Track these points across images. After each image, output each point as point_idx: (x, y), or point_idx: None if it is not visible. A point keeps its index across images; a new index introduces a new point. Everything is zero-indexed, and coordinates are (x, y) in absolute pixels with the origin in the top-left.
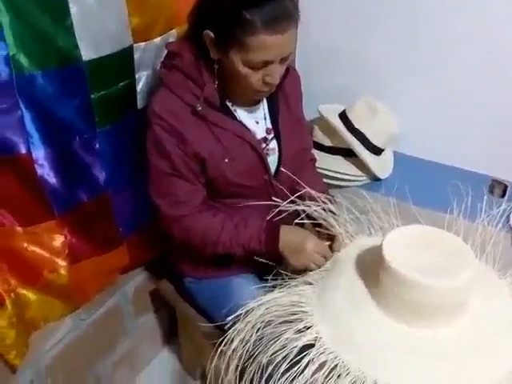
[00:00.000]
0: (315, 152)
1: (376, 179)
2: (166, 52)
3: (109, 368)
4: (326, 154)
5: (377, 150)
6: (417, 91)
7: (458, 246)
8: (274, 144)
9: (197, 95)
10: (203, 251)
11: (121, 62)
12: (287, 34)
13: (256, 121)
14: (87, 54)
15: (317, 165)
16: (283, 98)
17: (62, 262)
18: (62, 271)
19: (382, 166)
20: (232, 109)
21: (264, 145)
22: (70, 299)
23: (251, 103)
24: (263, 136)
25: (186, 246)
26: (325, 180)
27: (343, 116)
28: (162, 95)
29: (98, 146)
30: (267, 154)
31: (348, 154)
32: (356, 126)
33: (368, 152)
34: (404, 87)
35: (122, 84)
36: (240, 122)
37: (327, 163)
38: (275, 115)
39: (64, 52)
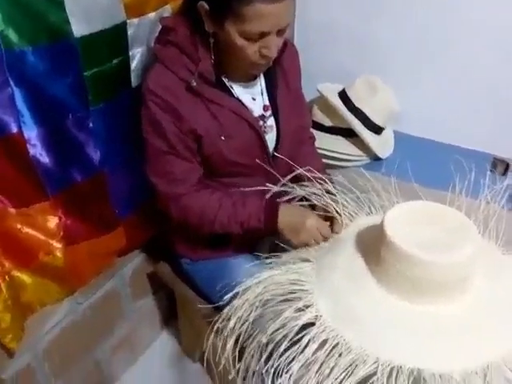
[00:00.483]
0: (314, 132)
1: (376, 159)
2: (160, 27)
3: (108, 352)
4: (326, 134)
5: (377, 129)
6: (418, 69)
7: (460, 220)
8: (271, 121)
9: (192, 71)
10: (201, 230)
11: (114, 39)
12: (284, 3)
13: (253, 97)
14: (79, 29)
15: (316, 145)
16: (281, 74)
17: (57, 244)
18: (58, 253)
19: (383, 145)
20: (228, 85)
21: (261, 122)
22: (66, 282)
23: (248, 78)
24: (260, 113)
25: (183, 225)
26: (325, 160)
27: (343, 95)
28: (157, 71)
29: (91, 124)
30: (265, 131)
31: (348, 133)
32: (356, 105)
33: (368, 131)
34: (405, 65)
35: (115, 61)
36: (237, 98)
37: (327, 143)
38: (273, 91)
39: (55, 28)
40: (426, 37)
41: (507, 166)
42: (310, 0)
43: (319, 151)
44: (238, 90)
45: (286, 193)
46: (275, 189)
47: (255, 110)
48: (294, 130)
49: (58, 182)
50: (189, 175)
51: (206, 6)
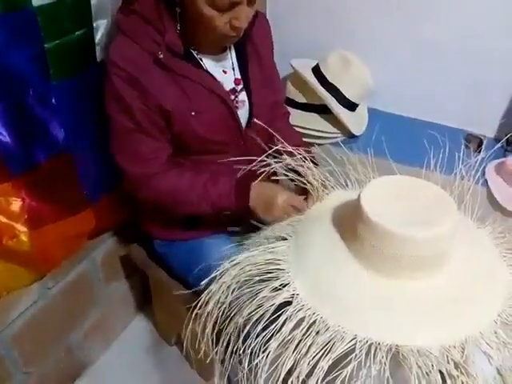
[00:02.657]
0: (288, 109)
1: (351, 136)
2: None
3: (80, 337)
4: (300, 111)
5: (351, 105)
6: (392, 45)
7: (438, 194)
8: (243, 96)
9: (158, 42)
10: (172, 211)
11: (76, 8)
12: None
13: (223, 70)
14: None
15: (290, 122)
16: (252, 47)
17: (21, 228)
18: (23, 237)
19: (357, 122)
20: (197, 57)
21: (233, 96)
22: (34, 266)
23: (218, 51)
24: (232, 87)
25: (153, 206)
26: None
27: (316, 70)
28: (120, 43)
29: (54, 100)
30: (236, 106)
31: (322, 110)
32: (330, 81)
33: (343, 108)
34: (379, 40)
35: (78, 33)
36: (206, 71)
37: (301, 120)
38: (244, 65)
39: None
40: (400, 12)
41: (480, 141)
42: None
43: None
44: (207, 62)
45: (259, 170)
46: (251, 166)
47: (226, 83)
48: (267, 104)
49: (21, 161)
50: (157, 154)
51: None
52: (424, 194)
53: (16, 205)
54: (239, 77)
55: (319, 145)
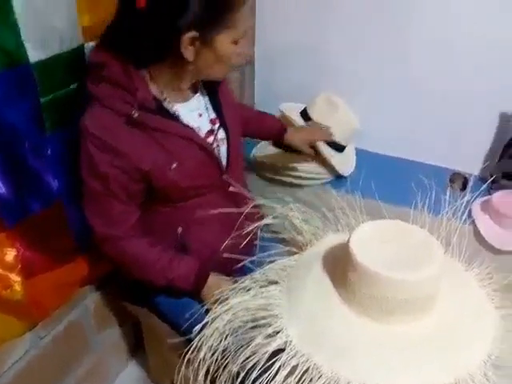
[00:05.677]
0: (277, 150)
1: (339, 176)
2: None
3: None
4: (288, 153)
5: (339, 147)
6: (377, 87)
7: (424, 238)
8: (222, 133)
9: (130, 102)
10: (130, 275)
11: (71, 63)
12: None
13: (199, 113)
14: (35, 54)
15: (279, 164)
16: (220, 87)
17: (16, 277)
18: (17, 287)
19: (345, 163)
20: (172, 109)
21: (212, 137)
22: (27, 316)
23: (190, 96)
24: (209, 128)
25: (115, 265)
26: (288, 179)
27: (304, 114)
28: (93, 110)
29: (49, 151)
30: (218, 145)
31: None
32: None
33: (331, 149)
34: (363, 83)
35: (73, 85)
36: (181, 122)
37: (290, 162)
38: (217, 104)
39: (9, 52)
40: (382, 55)
41: (466, 180)
42: (269, 24)
43: (282, 170)
44: (182, 111)
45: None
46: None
47: (203, 127)
48: (239, 133)
49: (16, 212)
50: (125, 217)
51: (193, 34)
52: (411, 238)
53: (10, 255)
54: (214, 116)
55: (309, 185)
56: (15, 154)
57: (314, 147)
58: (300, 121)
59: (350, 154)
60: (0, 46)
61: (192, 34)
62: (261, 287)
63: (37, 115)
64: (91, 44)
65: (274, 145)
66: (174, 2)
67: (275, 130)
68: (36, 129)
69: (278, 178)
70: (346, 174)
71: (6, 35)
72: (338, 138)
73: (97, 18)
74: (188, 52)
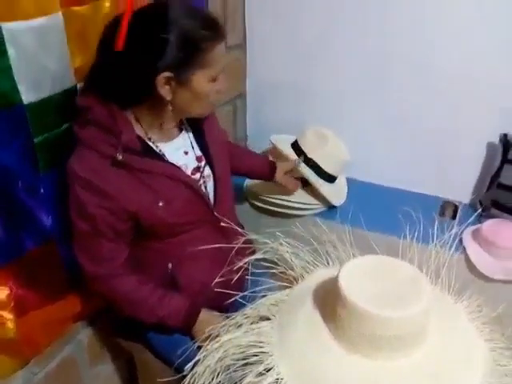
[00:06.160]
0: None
1: (332, 206)
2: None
3: None
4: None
5: (330, 178)
6: (365, 118)
7: (412, 273)
8: (208, 170)
9: (115, 145)
10: (121, 312)
11: (64, 103)
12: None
13: (185, 151)
14: (28, 96)
15: (271, 195)
16: (206, 125)
17: (8, 315)
18: (9, 325)
19: (337, 193)
20: (157, 149)
21: (199, 174)
22: (19, 353)
23: (176, 134)
24: (195, 166)
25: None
26: (280, 209)
27: (295, 146)
28: (80, 153)
29: (42, 190)
30: (204, 181)
31: (303, 183)
32: (309, 156)
33: (322, 180)
34: (353, 115)
35: (65, 125)
36: (167, 161)
37: (281, 193)
38: (202, 141)
39: (3, 94)
40: (367, 87)
41: (456, 208)
42: (259, 61)
43: (274, 201)
44: (168, 150)
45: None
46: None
47: (189, 164)
48: (227, 171)
49: (9, 250)
50: (115, 255)
51: (168, 74)
52: (399, 273)
53: (3, 293)
54: (200, 154)
55: (300, 216)
56: (9, 193)
57: (303, 179)
58: (291, 153)
59: (341, 185)
60: None
61: (167, 74)
62: (252, 323)
63: (30, 155)
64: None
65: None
66: (152, 45)
67: (264, 173)
68: (30, 168)
69: (270, 208)
70: (337, 204)
71: (0, 78)
72: (328, 169)
73: (88, 59)
74: (164, 91)
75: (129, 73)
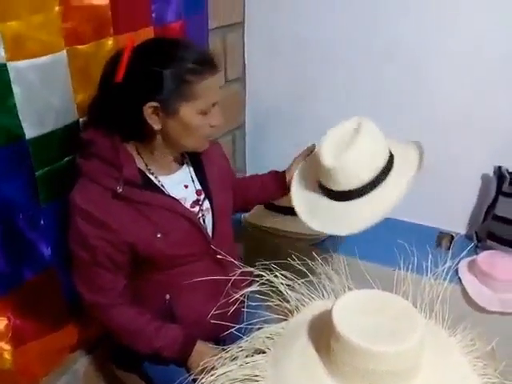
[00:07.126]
0: (266, 211)
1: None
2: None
3: None
4: (277, 214)
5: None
6: None
7: (406, 308)
8: (207, 204)
9: (116, 178)
10: (119, 341)
11: (66, 138)
12: (217, 75)
13: (185, 184)
14: (31, 131)
15: (268, 224)
16: (207, 158)
17: (5, 346)
18: (6, 355)
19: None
20: (157, 182)
21: (198, 208)
22: None
23: (177, 167)
24: (195, 199)
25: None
26: (277, 240)
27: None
28: (82, 185)
29: (42, 222)
30: (203, 214)
31: None
32: None
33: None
34: None
35: (66, 159)
36: (168, 195)
37: (278, 222)
38: (202, 175)
39: (6, 131)
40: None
41: (452, 238)
42: (258, 91)
43: (270, 230)
44: (168, 183)
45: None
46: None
47: (189, 198)
48: (228, 206)
49: (9, 281)
50: (113, 285)
51: (155, 104)
52: (393, 308)
53: (1, 324)
54: (200, 187)
55: (298, 245)
56: (10, 224)
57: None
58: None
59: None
60: None
61: (153, 103)
62: (247, 356)
63: (32, 188)
64: (86, 119)
65: (266, 207)
66: (144, 77)
67: (277, 180)
68: (31, 200)
69: (268, 239)
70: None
71: (5, 116)
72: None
73: (90, 94)
74: (152, 121)
75: (123, 103)
